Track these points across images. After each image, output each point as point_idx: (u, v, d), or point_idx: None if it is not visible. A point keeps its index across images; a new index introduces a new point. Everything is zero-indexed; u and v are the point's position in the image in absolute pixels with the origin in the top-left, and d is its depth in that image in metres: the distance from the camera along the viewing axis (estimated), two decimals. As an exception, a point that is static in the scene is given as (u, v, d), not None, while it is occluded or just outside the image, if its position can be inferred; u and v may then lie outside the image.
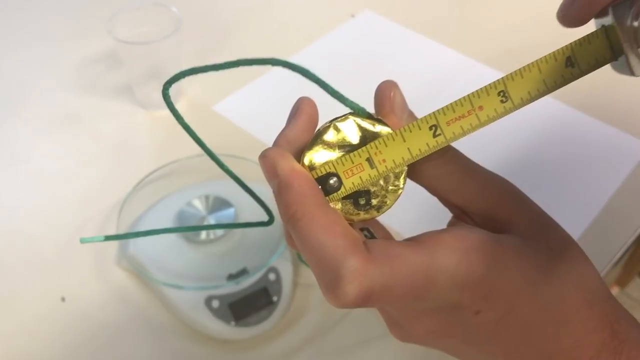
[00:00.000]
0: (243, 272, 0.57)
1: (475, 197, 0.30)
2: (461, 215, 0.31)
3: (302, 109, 0.29)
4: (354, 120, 0.29)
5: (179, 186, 0.66)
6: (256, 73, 0.81)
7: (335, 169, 0.28)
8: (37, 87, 0.81)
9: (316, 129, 0.29)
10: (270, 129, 0.73)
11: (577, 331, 0.27)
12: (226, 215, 0.62)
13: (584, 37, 0.27)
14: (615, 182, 0.68)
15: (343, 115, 0.29)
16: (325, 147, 0.28)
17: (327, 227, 0.25)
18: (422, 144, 0.28)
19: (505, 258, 0.27)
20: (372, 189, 0.29)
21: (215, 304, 0.55)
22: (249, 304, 0.56)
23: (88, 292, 0.59)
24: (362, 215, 0.29)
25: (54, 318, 0.57)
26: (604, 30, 0.27)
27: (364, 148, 0.28)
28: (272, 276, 0.57)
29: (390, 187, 0.29)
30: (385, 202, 0.29)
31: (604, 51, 0.27)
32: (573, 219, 0.65)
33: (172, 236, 0.60)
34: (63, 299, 0.59)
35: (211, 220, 0.61)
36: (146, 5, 0.75)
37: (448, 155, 0.30)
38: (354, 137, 0.29)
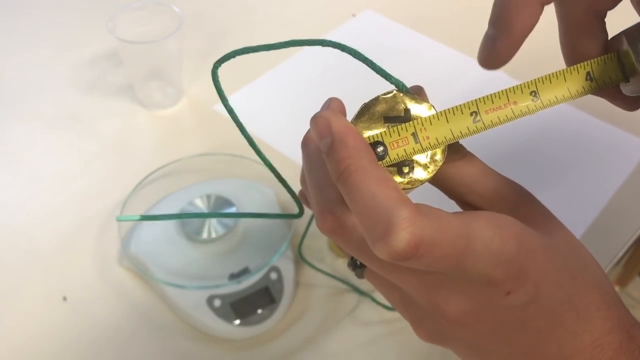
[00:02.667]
0: (245, 272, 0.57)
1: (493, 197, 0.31)
2: None
3: (332, 106, 0.31)
4: (399, 97, 0.30)
5: (181, 185, 0.66)
6: (257, 73, 0.81)
7: (383, 139, 0.30)
8: (38, 86, 0.81)
9: (362, 104, 0.31)
10: (271, 128, 0.74)
11: (596, 329, 0.28)
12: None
13: (600, 58, 0.31)
14: (617, 182, 0.68)
15: (388, 91, 0.31)
16: (372, 119, 0.30)
17: (380, 180, 0.26)
18: (463, 126, 0.30)
19: (532, 241, 0.28)
20: (416, 160, 0.30)
21: (217, 303, 0.55)
22: (251, 303, 0.56)
23: (90, 291, 0.59)
24: (406, 182, 0.30)
25: (55, 318, 0.57)
26: (616, 54, 0.30)
27: (410, 123, 0.30)
28: (273, 275, 0.57)
29: (431, 160, 0.30)
30: (427, 173, 0.30)
31: (616, 72, 0.31)
32: (574, 218, 0.65)
33: (174, 235, 0.60)
34: (65, 299, 0.59)
35: (213, 220, 0.61)
36: (147, 5, 0.75)
37: (467, 157, 0.32)
38: (399, 112, 0.30)
